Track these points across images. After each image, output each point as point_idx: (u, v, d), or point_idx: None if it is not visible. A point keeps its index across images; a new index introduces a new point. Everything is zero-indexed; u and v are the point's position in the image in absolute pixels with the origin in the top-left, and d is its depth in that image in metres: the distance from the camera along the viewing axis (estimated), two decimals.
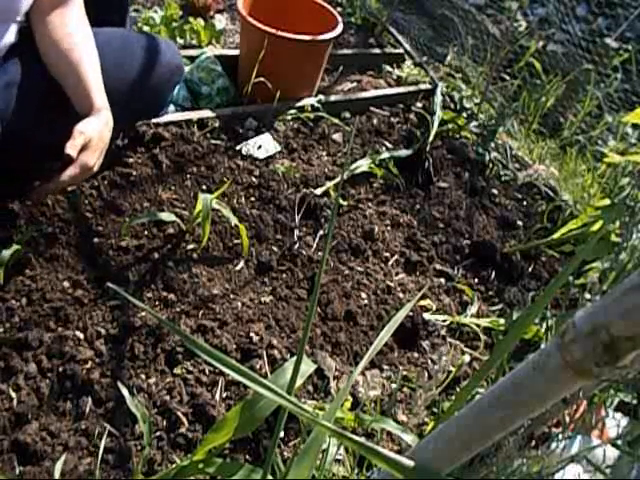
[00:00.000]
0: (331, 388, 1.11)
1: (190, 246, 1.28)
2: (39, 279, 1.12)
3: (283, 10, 1.87)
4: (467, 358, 1.27)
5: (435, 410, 1.15)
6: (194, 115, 1.59)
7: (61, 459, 0.87)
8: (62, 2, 1.19)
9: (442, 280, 1.45)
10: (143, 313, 1.12)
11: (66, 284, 1.14)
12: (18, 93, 1.17)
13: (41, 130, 1.23)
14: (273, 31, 1.63)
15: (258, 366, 1.08)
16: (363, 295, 1.33)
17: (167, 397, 1.01)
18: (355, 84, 2.09)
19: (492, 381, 1.09)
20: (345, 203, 1.54)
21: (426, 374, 1.23)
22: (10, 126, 1.14)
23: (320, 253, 1.38)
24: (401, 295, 1.36)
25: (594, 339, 0.35)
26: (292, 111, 1.74)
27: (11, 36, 1.18)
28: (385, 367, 1.21)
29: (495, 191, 1.79)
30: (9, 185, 1.24)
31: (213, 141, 1.56)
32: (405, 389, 1.18)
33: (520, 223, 1.69)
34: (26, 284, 1.11)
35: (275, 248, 1.36)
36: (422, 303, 1.34)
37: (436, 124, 1.84)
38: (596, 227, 1.36)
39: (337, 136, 1.76)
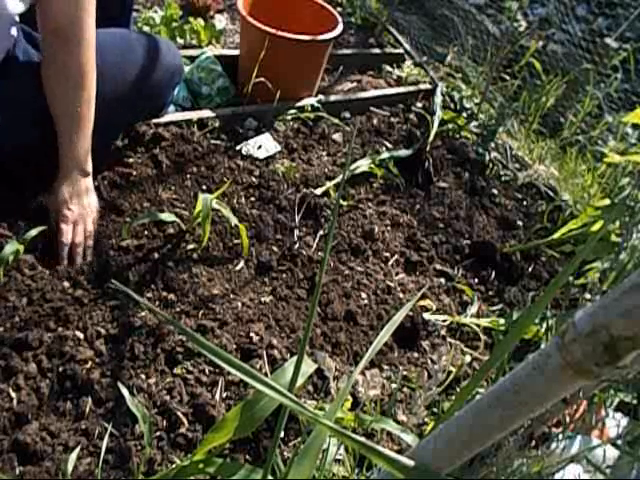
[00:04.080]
0: (331, 388, 1.11)
1: (190, 246, 1.28)
2: (39, 279, 1.12)
3: (283, 10, 1.87)
4: (467, 358, 1.27)
5: (435, 410, 1.15)
6: (194, 115, 1.59)
7: (73, 454, 0.87)
8: (68, 35, 1.11)
9: (442, 280, 1.45)
10: (143, 313, 1.12)
11: (66, 284, 1.14)
12: (10, 104, 1.16)
13: (36, 140, 1.23)
14: (273, 31, 1.63)
15: (258, 366, 1.08)
16: (363, 295, 1.33)
17: (167, 397, 1.01)
18: (355, 84, 2.09)
19: (492, 381, 1.09)
20: (345, 203, 1.54)
21: (426, 374, 1.23)
22: (4, 138, 1.14)
23: (320, 253, 1.38)
24: (401, 295, 1.36)
25: (594, 339, 0.35)
26: (292, 111, 1.74)
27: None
28: (385, 367, 1.21)
29: (495, 191, 1.79)
30: (9, 185, 1.24)
31: (213, 141, 1.56)
32: (405, 389, 1.18)
33: (520, 223, 1.69)
34: (26, 284, 1.11)
35: (275, 248, 1.36)
36: (422, 303, 1.34)
37: (436, 124, 1.84)
38: (596, 227, 1.36)
39: (337, 136, 1.76)
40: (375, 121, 1.87)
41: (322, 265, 0.51)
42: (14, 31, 1.18)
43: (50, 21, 1.10)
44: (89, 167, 1.23)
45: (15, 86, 1.17)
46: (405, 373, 1.20)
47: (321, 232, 1.44)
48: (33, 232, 1.15)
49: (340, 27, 1.76)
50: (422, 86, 2.09)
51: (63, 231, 1.17)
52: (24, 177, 1.26)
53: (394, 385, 1.17)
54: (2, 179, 1.23)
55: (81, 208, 1.20)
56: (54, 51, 1.13)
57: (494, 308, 1.42)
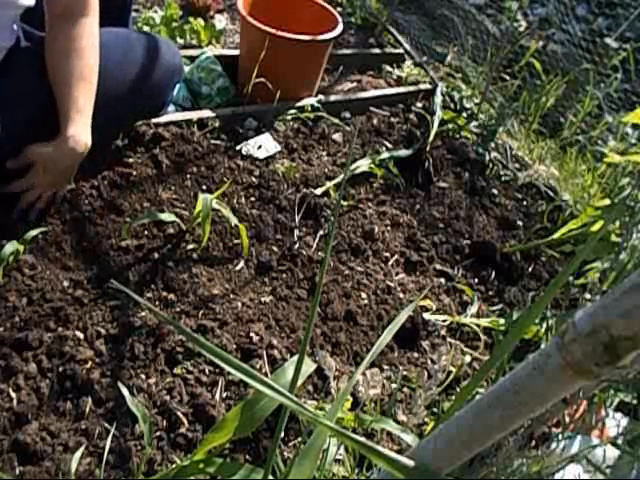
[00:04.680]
0: (331, 388, 1.11)
1: (190, 246, 1.28)
2: (39, 279, 1.12)
3: (283, 10, 1.87)
4: (467, 358, 1.27)
5: (435, 410, 1.15)
6: (194, 115, 1.59)
7: (77, 454, 0.87)
8: (74, 14, 1.17)
9: (442, 280, 1.45)
10: (143, 313, 1.12)
11: (66, 284, 1.14)
12: (9, 103, 1.16)
13: (37, 140, 1.23)
14: (273, 31, 1.63)
15: (258, 366, 1.08)
16: (363, 295, 1.33)
17: (167, 397, 1.01)
18: (355, 84, 2.09)
19: (492, 381, 1.09)
20: (345, 203, 1.54)
21: (426, 374, 1.23)
22: (4, 138, 1.14)
23: (320, 253, 1.38)
24: (401, 295, 1.36)
25: (594, 339, 0.35)
26: (292, 111, 1.74)
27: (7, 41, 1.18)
28: (385, 367, 1.21)
29: (495, 191, 1.79)
30: (7, 185, 1.24)
31: (213, 141, 1.56)
32: (405, 389, 1.18)
33: (520, 223, 1.69)
34: (26, 284, 1.11)
35: (275, 248, 1.36)
36: (422, 303, 1.34)
37: (436, 124, 1.84)
38: (596, 227, 1.36)
39: (337, 136, 1.76)
40: (375, 121, 1.87)
41: (323, 265, 0.51)
42: (15, 27, 1.18)
43: (57, 4, 1.15)
44: (85, 137, 1.18)
45: (16, 84, 1.17)
46: (405, 373, 1.20)
47: (321, 232, 1.44)
48: (33, 232, 1.15)
49: (340, 27, 1.76)
50: (422, 86, 2.09)
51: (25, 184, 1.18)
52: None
53: (394, 385, 1.17)
54: (2, 179, 1.23)
55: (56, 175, 1.20)
56: (59, 29, 1.17)
57: (494, 308, 1.42)
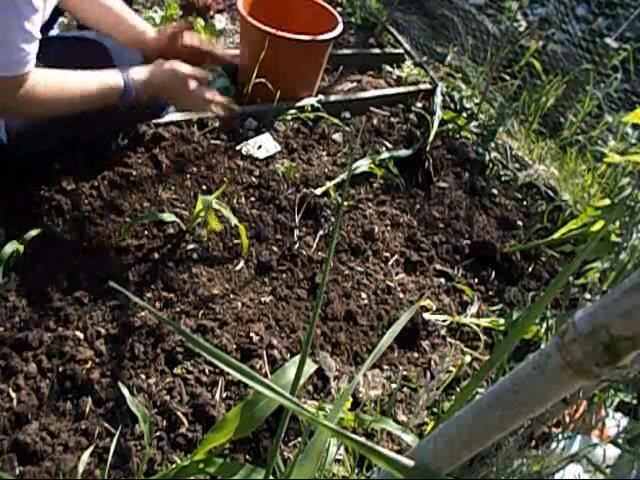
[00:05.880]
0: (331, 388, 1.11)
1: (190, 246, 1.28)
2: (39, 279, 1.12)
3: (283, 10, 1.87)
4: (467, 358, 1.27)
5: (435, 410, 1.15)
6: (194, 115, 1.59)
7: (84, 456, 0.87)
8: None
9: (442, 280, 1.45)
10: (143, 313, 1.12)
11: (66, 284, 1.14)
12: None
13: (56, 144, 1.24)
14: (273, 31, 1.62)
15: (258, 366, 1.08)
16: (363, 295, 1.33)
17: (167, 397, 1.01)
18: (355, 84, 2.09)
19: (492, 381, 1.09)
20: (345, 203, 1.54)
21: (427, 374, 1.23)
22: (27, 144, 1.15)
23: (320, 253, 1.38)
24: (401, 295, 1.36)
25: (594, 339, 0.35)
26: (292, 111, 1.74)
27: None
28: (385, 367, 1.21)
29: (495, 191, 1.79)
30: (10, 185, 1.24)
31: (213, 141, 1.56)
32: (405, 389, 1.18)
33: (520, 223, 1.69)
34: (26, 284, 1.11)
35: (275, 248, 1.36)
36: (422, 303, 1.34)
37: (436, 124, 1.84)
38: (596, 227, 1.36)
39: (337, 136, 1.76)
40: (375, 121, 1.87)
41: (326, 265, 0.51)
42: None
43: None
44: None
45: None
46: (405, 373, 1.20)
47: (321, 232, 1.44)
48: (33, 232, 1.15)
49: (340, 27, 1.76)
50: (422, 86, 2.09)
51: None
52: (26, 177, 1.26)
53: (394, 385, 1.17)
54: (4, 179, 1.23)
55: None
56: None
57: (494, 308, 1.42)
